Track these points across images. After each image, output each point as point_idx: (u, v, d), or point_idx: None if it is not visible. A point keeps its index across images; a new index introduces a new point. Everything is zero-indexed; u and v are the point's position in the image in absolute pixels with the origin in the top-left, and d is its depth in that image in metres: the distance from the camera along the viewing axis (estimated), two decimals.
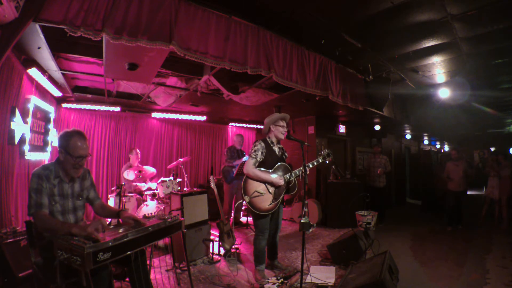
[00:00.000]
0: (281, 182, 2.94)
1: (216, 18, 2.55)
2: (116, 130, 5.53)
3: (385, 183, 5.83)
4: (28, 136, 3.15)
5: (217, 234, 3.65)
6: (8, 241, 2.37)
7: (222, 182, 5.54)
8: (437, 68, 4.31)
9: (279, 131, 3.08)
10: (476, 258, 3.81)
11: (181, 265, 3.13)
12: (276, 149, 3.12)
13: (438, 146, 14.03)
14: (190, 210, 3.51)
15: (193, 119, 6.24)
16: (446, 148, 14.17)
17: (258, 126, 7.52)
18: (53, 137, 4.11)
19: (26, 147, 3.13)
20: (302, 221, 2.33)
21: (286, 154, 3.27)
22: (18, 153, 3.04)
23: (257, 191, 2.90)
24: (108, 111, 5.21)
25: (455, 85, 4.85)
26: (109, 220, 2.83)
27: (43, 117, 3.77)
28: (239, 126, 7.51)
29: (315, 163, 3.07)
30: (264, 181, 2.92)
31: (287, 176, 3.01)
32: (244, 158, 5.08)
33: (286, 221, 5.79)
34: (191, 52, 2.38)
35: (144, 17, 2.16)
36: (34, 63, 2.96)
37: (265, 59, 2.89)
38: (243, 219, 5.56)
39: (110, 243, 1.56)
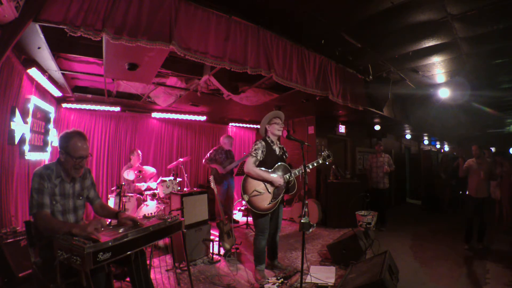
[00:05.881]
0: (281, 181, 2.95)
1: (216, 18, 2.55)
2: (116, 130, 5.53)
3: (389, 184, 5.59)
4: (28, 136, 3.16)
5: (217, 234, 3.65)
6: (8, 241, 2.37)
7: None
8: (437, 68, 4.31)
9: (275, 128, 3.09)
10: (476, 258, 3.81)
11: (181, 265, 3.13)
12: (277, 149, 3.12)
13: (438, 146, 14.03)
14: (190, 210, 3.51)
15: (193, 119, 6.24)
16: (446, 148, 14.17)
17: (258, 126, 7.49)
18: (53, 137, 4.12)
19: (26, 147, 3.13)
20: (302, 221, 2.33)
21: (286, 154, 3.28)
22: (18, 153, 3.04)
23: (256, 190, 2.91)
24: (108, 111, 5.21)
25: (455, 85, 4.85)
26: (109, 220, 2.83)
27: (43, 117, 3.77)
28: (239, 126, 7.51)
29: (315, 164, 3.08)
30: (264, 180, 2.93)
31: (287, 176, 3.01)
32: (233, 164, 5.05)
33: (286, 221, 5.79)
34: (191, 52, 2.38)
35: (144, 17, 2.16)
36: (34, 63, 2.96)
37: (265, 59, 2.89)
38: (243, 219, 5.56)
39: (110, 243, 1.56)
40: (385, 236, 4.80)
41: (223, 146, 5.20)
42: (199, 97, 4.38)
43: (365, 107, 4.48)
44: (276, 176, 2.96)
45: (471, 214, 4.22)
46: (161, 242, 3.73)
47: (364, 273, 2.52)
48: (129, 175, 4.37)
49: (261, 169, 2.94)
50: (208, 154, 5.11)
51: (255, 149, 2.98)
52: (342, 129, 7.01)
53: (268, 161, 3.00)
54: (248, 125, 7.50)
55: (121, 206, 3.65)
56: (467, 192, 4.34)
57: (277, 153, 3.11)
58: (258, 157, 2.95)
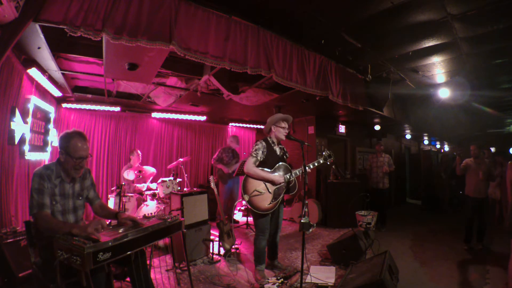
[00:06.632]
0: (281, 180, 2.94)
1: (216, 18, 2.55)
2: (116, 130, 5.53)
3: (388, 185, 5.54)
4: (28, 136, 3.16)
5: (217, 234, 3.65)
6: (8, 241, 2.37)
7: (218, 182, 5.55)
8: (437, 68, 4.31)
9: (280, 132, 3.09)
10: (476, 259, 3.81)
11: (181, 265, 3.13)
12: (277, 149, 3.12)
13: (438, 146, 14.03)
14: (190, 210, 3.51)
15: (193, 119, 6.25)
16: (446, 148, 14.17)
17: (258, 126, 7.52)
18: (53, 137, 4.12)
19: (26, 147, 3.13)
20: (302, 221, 2.33)
21: (287, 154, 3.27)
22: (18, 153, 3.04)
23: (256, 190, 2.90)
24: (108, 111, 5.21)
25: (455, 85, 4.85)
26: (108, 220, 2.83)
27: (43, 117, 3.77)
28: (239, 126, 7.50)
29: (316, 164, 3.07)
30: (264, 180, 2.92)
31: (287, 176, 3.01)
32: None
33: (286, 221, 5.79)
34: (191, 52, 2.38)
35: (144, 17, 2.16)
36: (34, 63, 2.96)
37: (265, 59, 2.89)
38: (243, 219, 5.57)
39: (110, 243, 1.56)
40: (385, 236, 4.80)
41: (231, 145, 5.35)
42: (199, 97, 4.38)
43: (365, 107, 4.48)
44: (276, 175, 2.96)
45: (471, 214, 4.20)
46: (161, 242, 3.73)
47: (364, 273, 2.52)
48: (129, 175, 4.37)
49: (261, 169, 2.94)
50: (216, 154, 5.24)
51: (256, 150, 2.98)
52: (342, 129, 7.01)
53: (269, 161, 3.00)
54: (248, 125, 7.49)
55: (121, 206, 3.65)
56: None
57: (278, 153, 3.11)
58: (258, 158, 2.95)
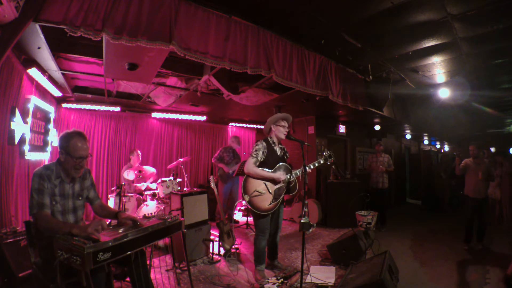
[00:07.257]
0: (283, 177, 2.94)
1: (216, 18, 2.55)
2: (116, 130, 5.53)
3: (388, 184, 5.52)
4: (28, 136, 3.16)
5: (217, 234, 3.65)
6: (8, 241, 2.37)
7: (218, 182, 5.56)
8: (437, 68, 4.31)
9: (280, 131, 3.09)
10: (476, 259, 3.81)
11: (181, 265, 3.13)
12: (278, 149, 3.12)
13: (438, 146, 14.03)
14: (190, 210, 3.51)
15: (193, 119, 6.25)
16: (446, 148, 14.17)
17: (258, 126, 7.52)
18: (53, 137, 4.12)
19: (26, 147, 3.13)
20: (302, 221, 2.33)
21: (287, 154, 3.27)
22: (18, 153, 3.04)
23: (257, 191, 2.90)
24: (108, 111, 5.21)
25: (455, 85, 4.85)
26: (108, 220, 2.83)
27: (43, 117, 3.77)
28: (239, 126, 7.51)
29: (316, 165, 3.07)
30: (265, 179, 2.92)
31: (288, 176, 3.01)
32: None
33: (286, 221, 5.79)
34: (191, 52, 2.38)
35: (144, 17, 2.17)
36: (34, 63, 2.96)
37: (265, 59, 2.89)
38: (243, 219, 5.57)
39: (110, 243, 1.56)
40: (385, 236, 4.80)
41: (232, 145, 5.39)
42: (199, 97, 4.38)
43: (365, 107, 4.48)
44: (277, 173, 2.96)
45: (470, 214, 4.20)
46: (161, 242, 3.73)
47: (364, 273, 2.52)
48: (129, 175, 4.37)
49: (261, 169, 2.94)
50: (217, 153, 5.28)
51: (256, 150, 2.98)
52: (342, 129, 7.01)
53: (269, 162, 3.00)
54: (248, 125, 7.49)
55: (121, 206, 3.66)
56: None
57: (278, 153, 3.11)
58: (259, 158, 2.95)
